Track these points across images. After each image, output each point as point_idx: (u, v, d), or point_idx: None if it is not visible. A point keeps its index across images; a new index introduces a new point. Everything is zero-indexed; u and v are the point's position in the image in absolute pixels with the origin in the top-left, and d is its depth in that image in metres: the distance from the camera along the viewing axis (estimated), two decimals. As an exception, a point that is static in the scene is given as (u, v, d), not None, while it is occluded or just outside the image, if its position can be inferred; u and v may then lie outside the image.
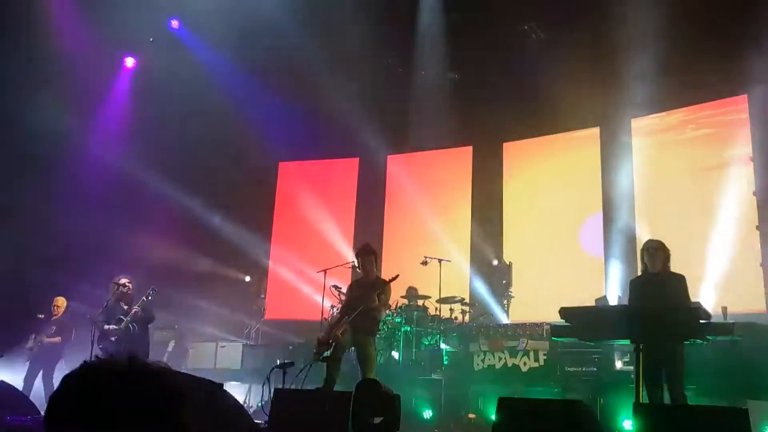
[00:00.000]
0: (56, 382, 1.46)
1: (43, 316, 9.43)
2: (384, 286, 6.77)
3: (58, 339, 9.16)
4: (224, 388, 4.94)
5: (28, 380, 8.79)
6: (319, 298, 9.85)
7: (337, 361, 6.62)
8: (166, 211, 12.18)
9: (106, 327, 7.91)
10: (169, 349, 10.14)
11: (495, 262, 11.36)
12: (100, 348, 7.84)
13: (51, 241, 10.44)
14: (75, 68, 10.41)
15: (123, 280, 8.21)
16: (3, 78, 9.95)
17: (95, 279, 9.54)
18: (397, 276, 6.82)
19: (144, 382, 1.23)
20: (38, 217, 10.56)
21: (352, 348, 6.78)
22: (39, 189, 10.62)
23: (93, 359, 1.32)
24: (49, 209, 10.56)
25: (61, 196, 10.71)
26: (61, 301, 9.44)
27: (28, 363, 8.99)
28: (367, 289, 6.75)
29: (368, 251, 7.02)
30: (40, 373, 8.96)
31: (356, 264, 7.62)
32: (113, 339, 7.86)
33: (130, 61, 11.96)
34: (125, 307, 8.11)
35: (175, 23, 11.54)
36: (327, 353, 6.66)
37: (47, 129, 10.16)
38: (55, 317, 9.37)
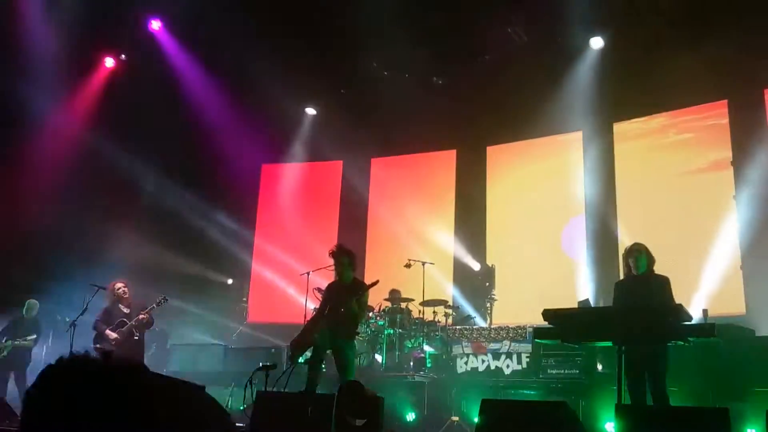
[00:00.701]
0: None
1: (13, 317, 9.28)
2: (364, 292, 6.67)
3: (30, 342, 9.01)
4: (205, 390, 4.87)
5: (0, 384, 8.66)
6: (302, 301, 9.80)
7: (319, 364, 6.58)
8: (144, 211, 12.07)
9: (108, 332, 7.83)
10: (151, 351, 10.01)
11: (477, 267, 11.37)
12: (95, 348, 7.75)
13: (23, 240, 10.23)
14: (49, 63, 10.24)
15: (119, 285, 8.13)
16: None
17: (70, 280, 9.42)
18: (377, 282, 6.73)
19: (118, 378, 1.22)
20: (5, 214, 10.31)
21: (329, 351, 6.72)
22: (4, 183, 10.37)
23: (68, 355, 1.30)
24: (18, 206, 10.33)
25: (32, 193, 10.50)
26: (32, 303, 9.30)
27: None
28: (345, 293, 6.65)
29: (340, 252, 6.79)
30: (12, 376, 8.83)
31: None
32: (113, 342, 7.78)
33: (110, 62, 11.80)
34: (125, 310, 8.04)
35: (156, 24, 11.40)
36: (306, 356, 6.62)
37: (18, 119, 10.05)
38: (26, 319, 9.22)
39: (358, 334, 7.40)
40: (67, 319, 8.21)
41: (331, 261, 6.89)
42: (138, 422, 1.21)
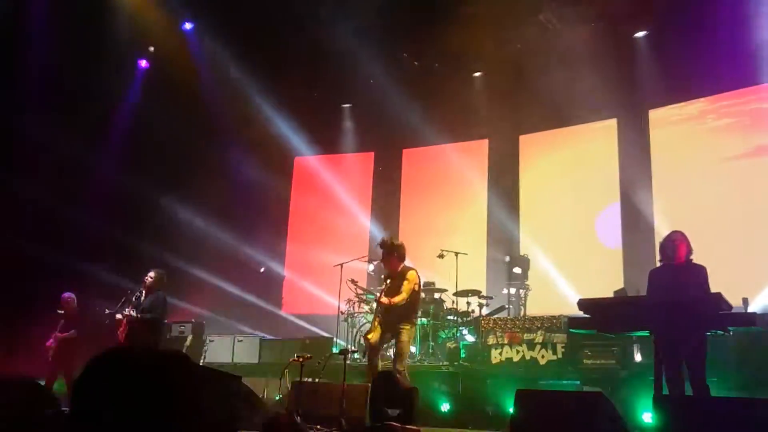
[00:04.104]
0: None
1: (62, 312, 9.42)
2: (411, 280, 6.77)
3: (73, 333, 9.13)
4: (242, 380, 4.95)
5: (50, 377, 8.82)
6: (335, 292, 9.85)
7: (377, 350, 6.79)
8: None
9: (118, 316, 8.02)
10: (187, 343, 10.16)
11: (507, 259, 11.26)
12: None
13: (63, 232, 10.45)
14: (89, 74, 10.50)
15: (150, 274, 8.25)
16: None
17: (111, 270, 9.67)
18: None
19: (161, 367, 1.24)
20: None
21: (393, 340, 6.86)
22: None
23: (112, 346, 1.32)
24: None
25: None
26: (68, 296, 9.43)
27: (49, 360, 9.02)
28: (397, 282, 6.79)
29: (390, 244, 6.95)
30: (60, 367, 9.00)
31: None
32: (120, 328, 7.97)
33: (144, 63, 12.01)
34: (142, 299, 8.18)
35: (188, 25, 11.55)
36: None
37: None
38: (65, 312, 9.35)
39: (416, 318, 7.39)
40: (107, 311, 8.33)
41: (365, 252, 6.99)
42: (180, 410, 1.23)
